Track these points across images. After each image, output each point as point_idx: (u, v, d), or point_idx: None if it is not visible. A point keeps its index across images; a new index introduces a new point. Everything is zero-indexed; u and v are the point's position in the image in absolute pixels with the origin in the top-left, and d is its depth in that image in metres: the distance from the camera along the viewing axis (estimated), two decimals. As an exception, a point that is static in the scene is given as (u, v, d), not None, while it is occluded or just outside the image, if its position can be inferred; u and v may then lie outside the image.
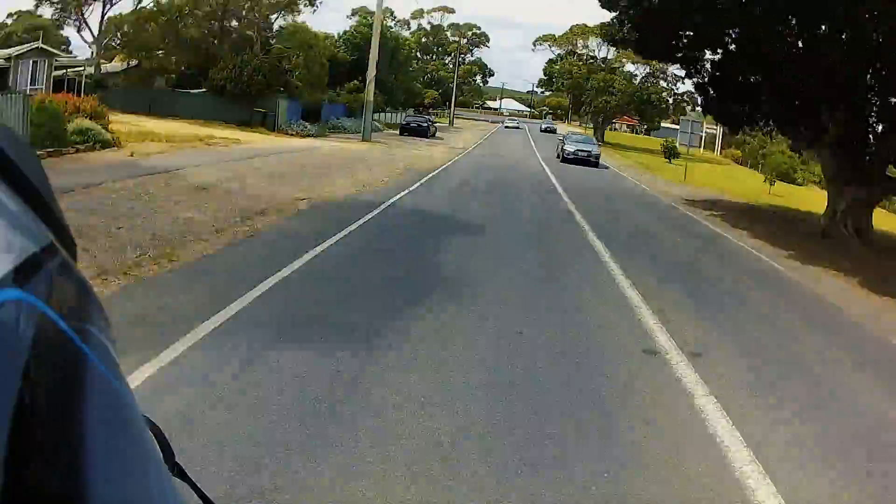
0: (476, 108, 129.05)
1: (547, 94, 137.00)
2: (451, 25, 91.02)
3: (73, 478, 0.34)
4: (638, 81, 51.03)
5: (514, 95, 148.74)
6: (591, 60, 52.70)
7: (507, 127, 66.31)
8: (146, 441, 0.46)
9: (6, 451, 0.29)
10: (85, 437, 0.37)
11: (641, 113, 51.99)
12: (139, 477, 0.42)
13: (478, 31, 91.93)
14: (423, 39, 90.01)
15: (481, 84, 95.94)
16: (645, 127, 56.12)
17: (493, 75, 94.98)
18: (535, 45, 57.14)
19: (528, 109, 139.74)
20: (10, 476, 0.29)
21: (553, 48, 55.21)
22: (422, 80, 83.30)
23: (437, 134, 40.01)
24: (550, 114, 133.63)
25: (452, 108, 58.49)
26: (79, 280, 0.44)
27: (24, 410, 0.31)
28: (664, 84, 51.27)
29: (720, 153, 74.72)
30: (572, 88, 50.46)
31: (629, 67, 51.70)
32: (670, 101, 51.83)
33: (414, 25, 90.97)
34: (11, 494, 0.30)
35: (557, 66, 51.64)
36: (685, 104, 51.95)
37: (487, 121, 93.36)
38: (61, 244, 0.43)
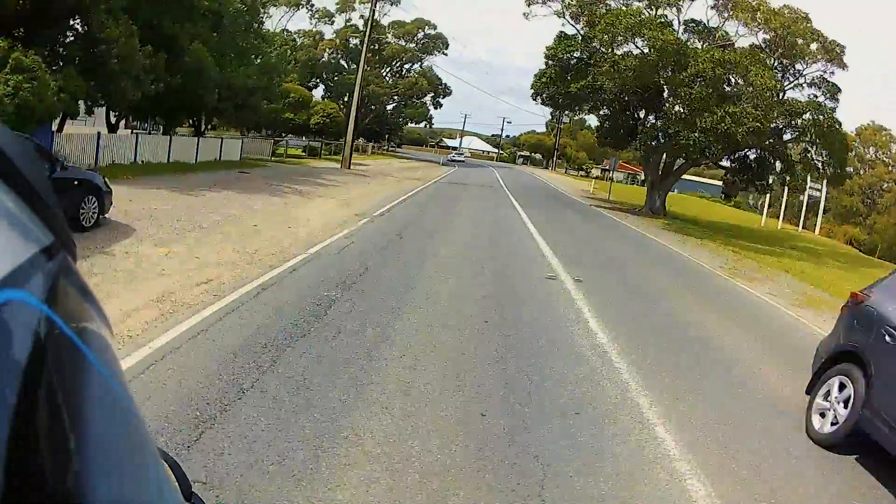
0: (431, 147, 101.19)
1: (527, 133, 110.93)
2: (394, 24, 62.74)
3: (72, 477, 0.34)
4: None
5: (479, 136, 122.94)
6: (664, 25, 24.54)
7: (451, 160, 66.01)
8: (144, 440, 0.46)
9: (7, 450, 0.29)
10: (84, 436, 0.36)
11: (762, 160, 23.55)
12: (137, 475, 0.43)
13: (432, 33, 63.64)
14: (354, 42, 61.67)
15: (432, 107, 65.79)
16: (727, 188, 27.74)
17: (448, 95, 64.48)
18: (529, 5, 28.38)
19: (496, 151, 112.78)
20: (11, 475, 0.29)
21: (566, 13, 27.35)
22: (343, 100, 55.38)
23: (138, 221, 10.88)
24: (523, 156, 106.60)
25: (348, 137, 29.33)
26: (78, 280, 0.44)
27: (24, 410, 0.31)
28: (808, 92, 23.35)
29: (819, 230, 47.44)
30: (631, 77, 21.62)
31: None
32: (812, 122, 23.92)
33: (340, 22, 62.79)
34: (12, 494, 0.30)
35: (579, 38, 23.65)
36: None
37: (438, 161, 65.15)
38: (61, 244, 0.42)
